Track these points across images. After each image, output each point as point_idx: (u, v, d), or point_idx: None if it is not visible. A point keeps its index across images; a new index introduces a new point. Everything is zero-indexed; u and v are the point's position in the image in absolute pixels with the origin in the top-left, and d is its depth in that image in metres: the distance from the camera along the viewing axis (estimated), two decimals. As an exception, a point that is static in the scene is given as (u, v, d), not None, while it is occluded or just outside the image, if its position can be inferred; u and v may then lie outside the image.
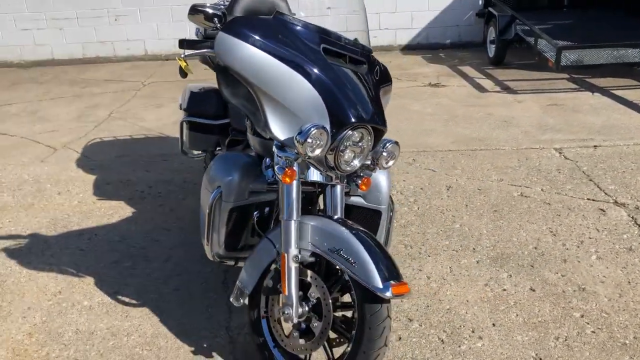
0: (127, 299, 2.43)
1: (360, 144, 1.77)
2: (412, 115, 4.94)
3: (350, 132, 1.72)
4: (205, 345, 2.13)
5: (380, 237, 2.13)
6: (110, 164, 4.00)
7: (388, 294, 1.60)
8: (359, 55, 1.84)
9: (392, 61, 6.95)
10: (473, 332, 2.15)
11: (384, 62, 2.06)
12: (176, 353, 2.10)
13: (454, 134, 4.41)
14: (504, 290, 2.40)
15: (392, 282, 1.61)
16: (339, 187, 1.90)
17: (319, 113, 1.69)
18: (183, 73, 1.95)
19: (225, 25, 1.74)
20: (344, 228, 1.73)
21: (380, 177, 2.08)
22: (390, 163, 1.91)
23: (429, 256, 2.68)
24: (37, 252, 2.83)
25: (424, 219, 3.04)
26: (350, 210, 2.09)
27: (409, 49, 7.90)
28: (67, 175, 3.82)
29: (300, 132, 1.63)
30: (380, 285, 1.60)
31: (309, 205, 2.04)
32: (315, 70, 1.70)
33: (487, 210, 3.10)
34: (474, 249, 2.72)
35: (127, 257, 2.76)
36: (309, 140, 1.63)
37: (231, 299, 1.90)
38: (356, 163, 1.79)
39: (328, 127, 1.68)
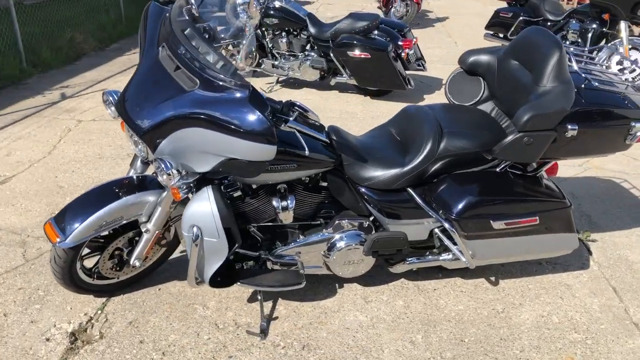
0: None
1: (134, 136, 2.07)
2: None
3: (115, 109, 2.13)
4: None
5: (192, 263, 2.19)
6: None
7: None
8: (192, 72, 1.96)
9: None
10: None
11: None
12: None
13: None
14: None
15: (51, 223, 2.19)
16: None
17: None
18: None
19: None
20: (115, 185, 2.25)
21: (193, 204, 2.11)
22: (159, 178, 2.05)
23: None
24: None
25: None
26: None
27: None
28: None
29: None
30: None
31: None
32: (143, 58, 2.15)
33: None
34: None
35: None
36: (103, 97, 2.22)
37: None
38: (135, 148, 2.14)
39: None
